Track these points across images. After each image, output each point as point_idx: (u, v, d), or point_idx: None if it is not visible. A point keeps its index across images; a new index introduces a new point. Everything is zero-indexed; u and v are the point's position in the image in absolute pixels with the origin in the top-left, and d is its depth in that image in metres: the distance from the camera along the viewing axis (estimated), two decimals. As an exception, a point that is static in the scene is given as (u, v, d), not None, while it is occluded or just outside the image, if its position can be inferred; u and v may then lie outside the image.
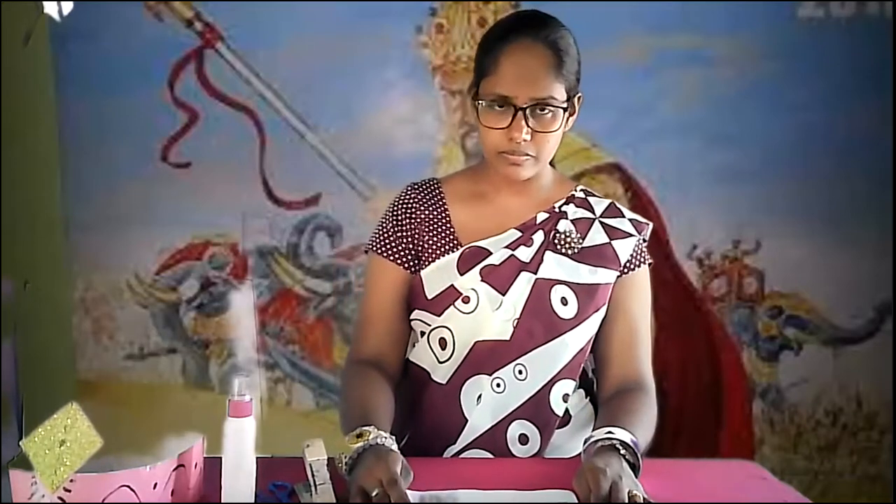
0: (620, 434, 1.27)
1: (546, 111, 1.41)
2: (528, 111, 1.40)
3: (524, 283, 1.47)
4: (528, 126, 1.40)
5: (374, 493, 1.14)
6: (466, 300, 1.47)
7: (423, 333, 1.51)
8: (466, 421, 1.47)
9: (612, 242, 1.51)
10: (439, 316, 1.48)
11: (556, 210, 1.52)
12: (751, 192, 2.86)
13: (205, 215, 2.88)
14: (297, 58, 2.83)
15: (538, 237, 1.50)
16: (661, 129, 2.85)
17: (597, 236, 1.51)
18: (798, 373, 2.93)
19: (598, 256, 1.50)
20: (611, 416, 1.37)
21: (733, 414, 2.94)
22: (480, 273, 1.47)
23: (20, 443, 1.01)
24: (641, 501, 1.16)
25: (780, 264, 2.91)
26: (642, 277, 1.54)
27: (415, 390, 1.52)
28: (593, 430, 1.34)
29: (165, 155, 2.86)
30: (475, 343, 1.47)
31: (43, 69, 2.76)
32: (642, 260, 1.54)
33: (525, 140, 1.40)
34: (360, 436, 1.24)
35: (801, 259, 2.89)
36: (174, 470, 1.12)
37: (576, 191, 1.56)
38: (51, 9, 2.29)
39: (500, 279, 1.47)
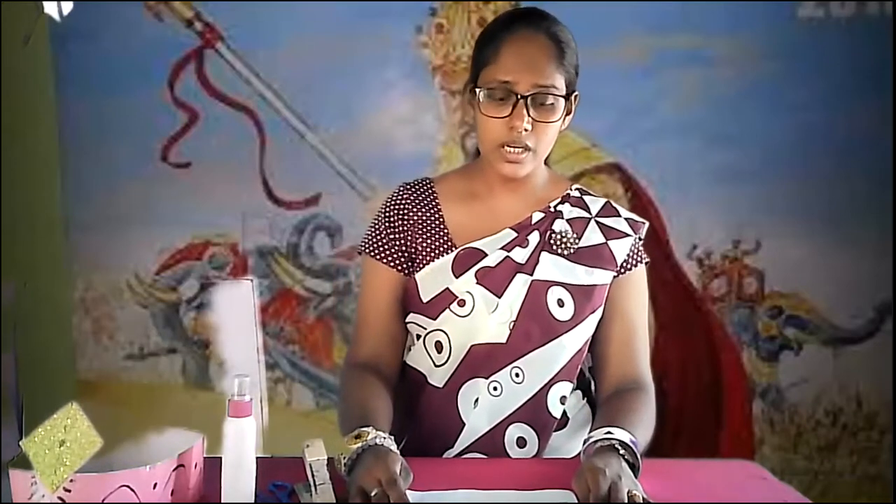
0: (619, 434, 1.27)
1: (548, 100, 1.40)
2: (529, 100, 1.39)
3: (520, 284, 1.46)
4: (529, 116, 1.40)
5: (373, 493, 1.14)
6: (462, 303, 1.46)
7: (418, 337, 1.51)
8: (464, 425, 1.46)
9: (609, 242, 1.51)
10: (435, 319, 1.47)
11: (552, 210, 1.52)
12: (751, 192, 2.86)
13: (205, 215, 2.88)
14: (297, 58, 2.83)
15: (534, 238, 1.49)
16: (661, 129, 2.85)
17: (593, 236, 1.51)
18: (798, 373, 2.93)
19: (594, 257, 1.49)
20: (610, 416, 1.36)
21: (733, 414, 2.94)
22: (476, 275, 1.46)
23: (20, 443, 1.01)
24: (641, 501, 1.16)
25: (780, 264, 2.91)
26: (639, 277, 1.53)
27: (412, 394, 1.51)
28: (592, 430, 1.34)
29: (165, 155, 2.86)
30: (471, 346, 1.46)
31: (43, 69, 2.76)
32: (639, 259, 1.53)
33: (526, 130, 1.40)
34: (358, 436, 1.24)
35: (801, 259, 2.89)
36: (174, 470, 1.12)
37: (571, 190, 1.55)
38: (51, 9, 2.29)
39: (495, 281, 1.46)
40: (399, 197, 1.54)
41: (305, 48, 2.82)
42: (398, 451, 1.25)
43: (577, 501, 1.20)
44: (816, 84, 2.83)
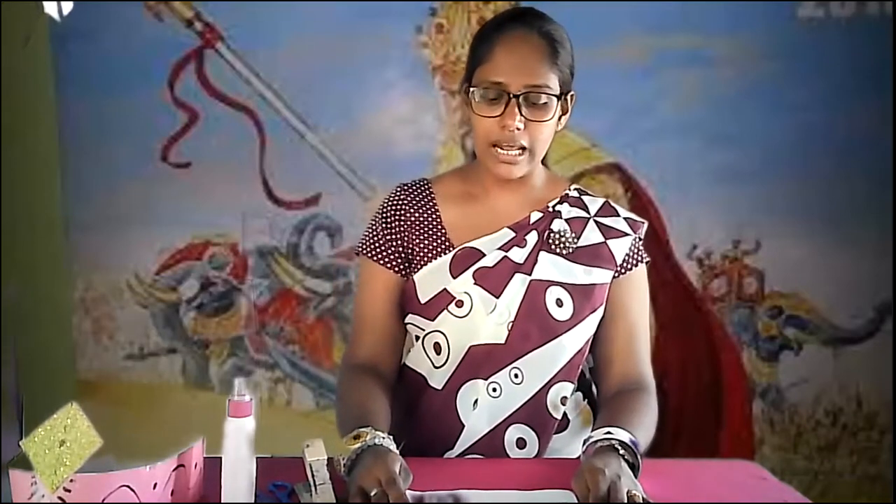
0: (619, 434, 1.27)
1: (540, 99, 1.40)
2: (521, 99, 1.39)
3: (518, 285, 1.46)
4: (521, 114, 1.39)
5: (372, 493, 1.14)
6: (460, 304, 1.45)
7: (417, 338, 1.51)
8: (463, 426, 1.45)
9: (608, 242, 1.50)
10: (433, 320, 1.47)
11: (550, 209, 1.51)
12: (751, 192, 2.86)
13: (205, 215, 2.88)
14: (297, 58, 2.83)
15: (532, 237, 1.49)
16: (660, 129, 2.85)
17: (592, 236, 1.50)
18: (798, 373, 2.93)
19: (593, 256, 1.49)
20: (610, 416, 1.36)
21: (733, 414, 2.94)
22: (474, 276, 1.46)
23: (20, 443, 1.01)
24: (640, 501, 1.16)
25: (780, 264, 2.91)
26: (640, 276, 1.53)
27: (411, 395, 1.51)
28: (593, 430, 1.34)
29: (165, 155, 2.86)
30: (470, 347, 1.45)
31: (43, 69, 2.76)
32: (639, 259, 1.53)
33: (518, 129, 1.39)
34: (357, 437, 1.24)
35: (801, 259, 2.89)
36: (174, 470, 1.12)
37: (570, 190, 1.55)
38: (51, 9, 2.29)
39: (493, 282, 1.45)
40: (396, 198, 1.54)
41: (305, 48, 2.82)
42: (398, 452, 1.25)
43: (576, 501, 1.20)
44: (816, 84, 2.83)
